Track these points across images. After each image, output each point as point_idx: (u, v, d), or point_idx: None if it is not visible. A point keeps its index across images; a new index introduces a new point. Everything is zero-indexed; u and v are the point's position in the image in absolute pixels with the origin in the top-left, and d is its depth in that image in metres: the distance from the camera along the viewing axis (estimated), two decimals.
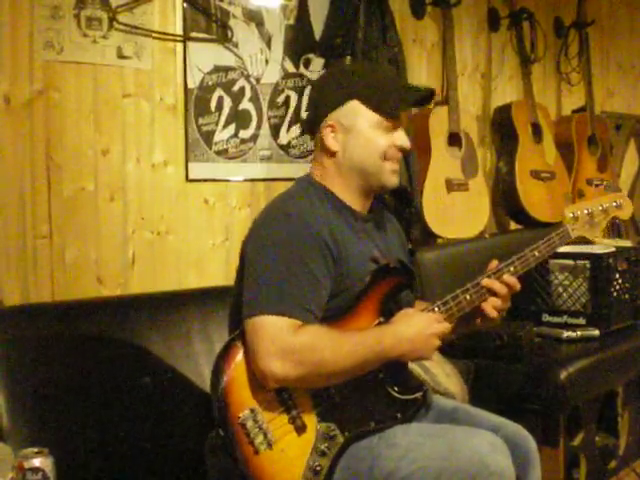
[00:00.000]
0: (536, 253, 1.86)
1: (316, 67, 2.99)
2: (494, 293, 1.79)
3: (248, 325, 1.61)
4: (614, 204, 1.97)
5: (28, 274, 2.23)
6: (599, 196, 2.01)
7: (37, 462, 1.48)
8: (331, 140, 1.78)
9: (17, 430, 1.85)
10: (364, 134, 1.77)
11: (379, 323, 1.74)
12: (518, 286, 1.81)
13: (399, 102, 1.80)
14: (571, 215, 1.92)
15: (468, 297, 1.78)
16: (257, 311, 1.60)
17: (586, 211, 1.94)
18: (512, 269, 1.81)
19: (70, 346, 2.02)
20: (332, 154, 1.79)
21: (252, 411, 1.63)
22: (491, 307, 1.79)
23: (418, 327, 1.69)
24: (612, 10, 4.76)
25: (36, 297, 2.24)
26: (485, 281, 1.79)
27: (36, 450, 1.51)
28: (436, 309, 1.76)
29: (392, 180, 1.81)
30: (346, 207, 1.80)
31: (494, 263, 1.83)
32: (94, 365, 2.04)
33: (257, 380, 1.63)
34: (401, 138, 1.80)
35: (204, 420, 1.79)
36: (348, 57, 2.96)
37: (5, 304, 2.16)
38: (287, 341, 1.58)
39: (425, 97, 1.92)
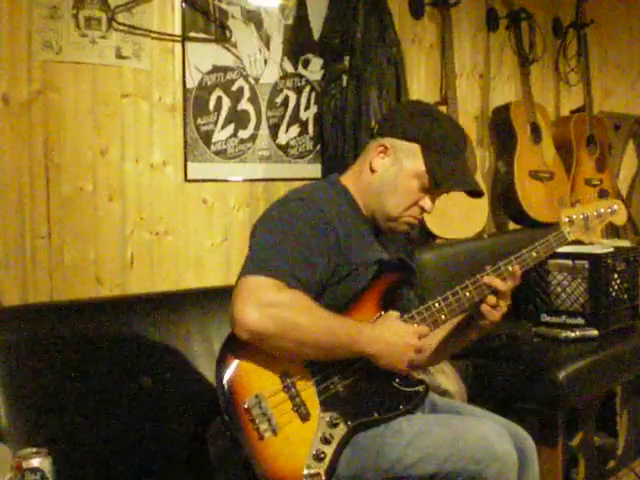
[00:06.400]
0: (534, 254, 1.87)
1: (315, 67, 3.00)
2: (494, 291, 1.77)
3: (236, 284, 1.62)
4: (609, 210, 1.99)
5: (27, 274, 2.23)
6: (595, 201, 2.03)
7: (36, 462, 1.49)
8: (377, 160, 1.82)
9: (16, 430, 1.85)
10: (404, 177, 1.80)
11: (379, 316, 1.76)
12: (519, 277, 1.79)
13: (451, 181, 1.80)
14: (567, 219, 1.94)
15: (468, 294, 1.77)
16: (246, 272, 1.62)
17: (582, 215, 1.96)
18: (510, 268, 1.81)
19: (68, 346, 2.02)
20: (372, 171, 1.83)
21: (257, 397, 1.64)
22: (489, 308, 1.78)
23: (398, 333, 1.70)
24: (611, 10, 4.76)
25: (35, 297, 2.24)
26: (486, 278, 1.77)
27: (35, 450, 1.51)
28: (421, 313, 1.76)
29: (401, 229, 1.86)
30: (361, 212, 1.85)
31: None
32: (93, 365, 2.03)
33: (263, 367, 1.65)
34: (429, 204, 1.82)
35: (203, 419, 1.79)
36: (347, 57, 2.96)
37: (4, 304, 2.16)
38: (267, 295, 1.58)
39: (472, 192, 1.89)
